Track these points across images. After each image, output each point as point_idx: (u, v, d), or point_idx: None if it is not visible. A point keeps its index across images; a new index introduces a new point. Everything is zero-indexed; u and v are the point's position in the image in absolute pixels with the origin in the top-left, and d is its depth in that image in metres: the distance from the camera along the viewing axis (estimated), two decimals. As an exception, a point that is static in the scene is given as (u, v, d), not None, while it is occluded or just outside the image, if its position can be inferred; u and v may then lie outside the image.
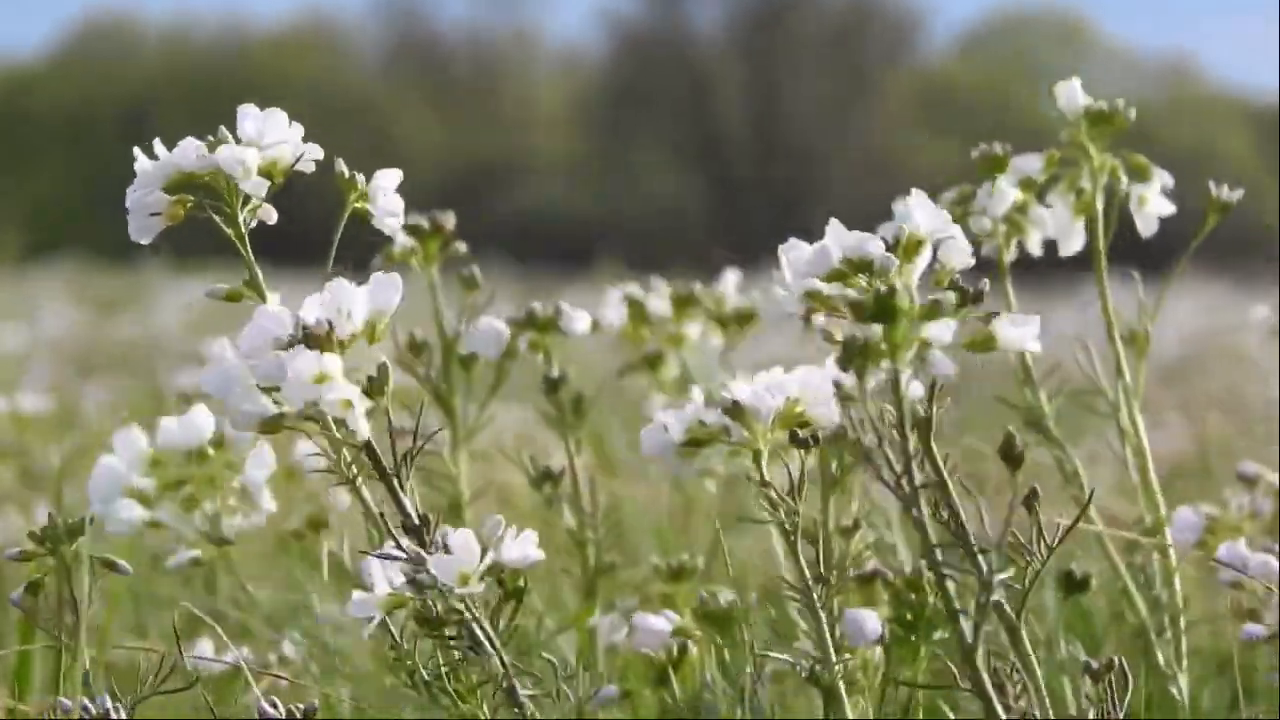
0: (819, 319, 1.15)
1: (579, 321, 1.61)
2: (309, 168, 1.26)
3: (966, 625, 1.15)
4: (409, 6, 24.18)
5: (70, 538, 1.23)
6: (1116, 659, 1.19)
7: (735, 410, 1.24)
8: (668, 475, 2.35)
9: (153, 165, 1.25)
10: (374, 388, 1.16)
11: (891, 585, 1.28)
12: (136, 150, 1.25)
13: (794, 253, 1.16)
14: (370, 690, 1.53)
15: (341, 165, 1.27)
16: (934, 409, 1.13)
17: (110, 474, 1.44)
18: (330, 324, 1.16)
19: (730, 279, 1.81)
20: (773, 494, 1.21)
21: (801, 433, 1.21)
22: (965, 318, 1.14)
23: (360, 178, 1.27)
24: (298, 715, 1.17)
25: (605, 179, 20.93)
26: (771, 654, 1.24)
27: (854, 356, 1.12)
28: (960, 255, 1.16)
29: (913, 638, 1.25)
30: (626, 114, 22.51)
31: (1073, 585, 1.38)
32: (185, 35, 23.39)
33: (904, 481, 1.14)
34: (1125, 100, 1.47)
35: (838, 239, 1.15)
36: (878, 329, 1.11)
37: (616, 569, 1.59)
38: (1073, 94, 1.47)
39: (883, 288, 1.11)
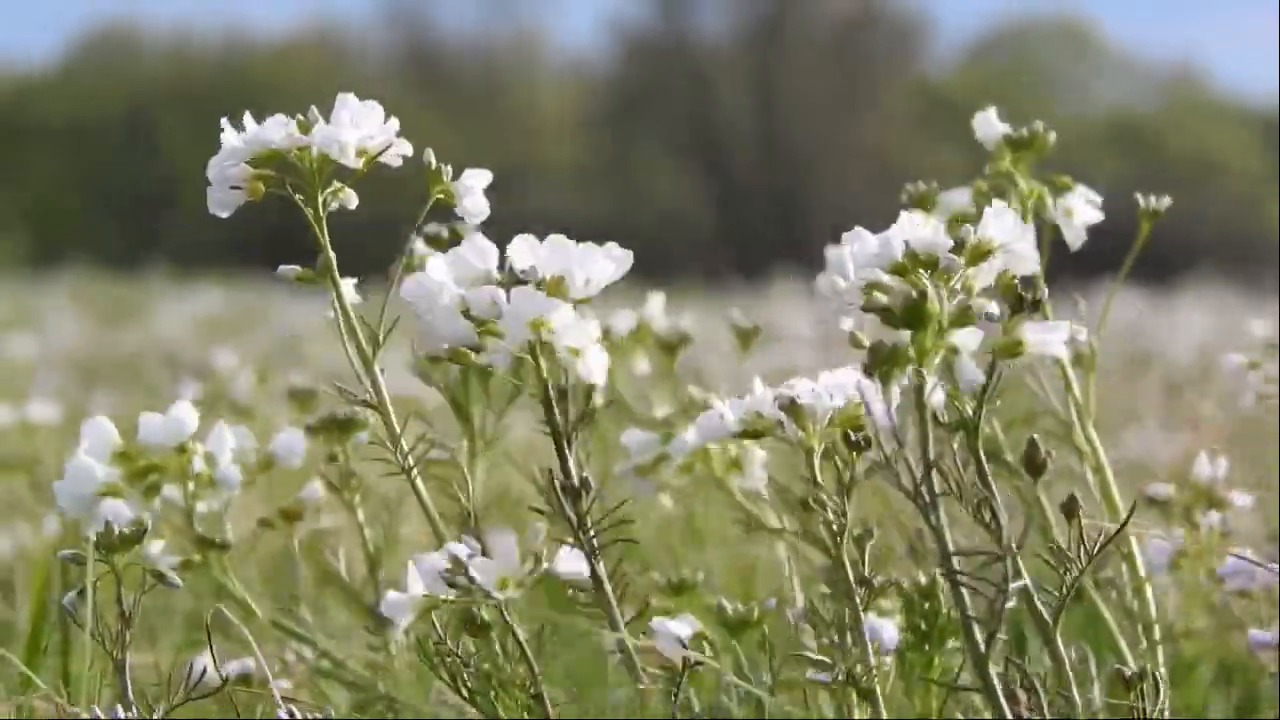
0: (848, 323, 1.13)
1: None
2: (395, 162, 1.25)
3: (979, 633, 1.14)
4: (414, 13, 24.21)
5: (124, 546, 1.22)
6: (1146, 667, 1.19)
7: (793, 409, 1.21)
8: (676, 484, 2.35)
9: (240, 139, 1.22)
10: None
11: (905, 593, 1.27)
12: (224, 122, 1.22)
13: (858, 243, 1.15)
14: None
15: (430, 156, 1.26)
16: (981, 413, 1.12)
17: (79, 471, 1.39)
18: (563, 278, 1.19)
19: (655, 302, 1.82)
20: (821, 496, 1.19)
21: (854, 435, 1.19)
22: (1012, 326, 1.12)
23: (448, 171, 1.26)
24: (313, 720, 1.18)
25: (611, 185, 20.92)
26: (808, 654, 1.23)
27: (881, 362, 1.10)
28: (1025, 264, 1.15)
29: (926, 646, 1.25)
30: (632, 120, 22.50)
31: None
32: (191, 44, 23.39)
33: (923, 489, 1.13)
34: (1044, 123, 1.45)
35: (908, 232, 1.13)
36: (906, 335, 1.10)
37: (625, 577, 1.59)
38: (989, 124, 1.45)
39: (914, 293, 1.10)
